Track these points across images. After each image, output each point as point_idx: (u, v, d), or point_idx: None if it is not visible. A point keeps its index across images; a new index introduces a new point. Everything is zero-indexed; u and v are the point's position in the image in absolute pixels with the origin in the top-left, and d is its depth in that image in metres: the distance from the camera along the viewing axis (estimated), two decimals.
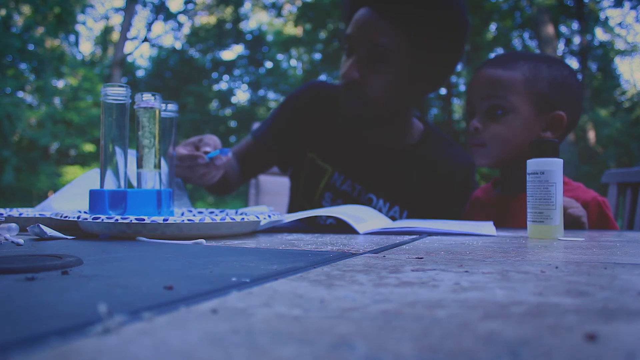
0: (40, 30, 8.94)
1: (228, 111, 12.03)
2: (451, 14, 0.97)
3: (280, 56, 12.02)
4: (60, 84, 9.62)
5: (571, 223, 0.82)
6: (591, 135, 8.74)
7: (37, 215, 0.65)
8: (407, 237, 0.61)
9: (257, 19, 12.51)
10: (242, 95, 13.29)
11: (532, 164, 0.64)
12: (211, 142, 0.87)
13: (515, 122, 0.93)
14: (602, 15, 9.27)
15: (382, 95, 0.99)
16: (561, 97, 0.94)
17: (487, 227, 0.71)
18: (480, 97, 0.95)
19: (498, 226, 0.82)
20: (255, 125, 1.57)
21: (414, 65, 0.99)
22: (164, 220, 0.55)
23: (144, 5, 11.34)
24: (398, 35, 0.96)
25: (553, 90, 0.93)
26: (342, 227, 0.75)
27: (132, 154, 0.68)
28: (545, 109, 0.93)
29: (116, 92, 0.62)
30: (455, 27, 0.98)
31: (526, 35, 9.47)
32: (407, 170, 1.08)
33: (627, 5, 9.05)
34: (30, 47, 8.68)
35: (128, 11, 10.38)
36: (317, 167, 1.11)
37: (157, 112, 0.66)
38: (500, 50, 9.06)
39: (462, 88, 9.33)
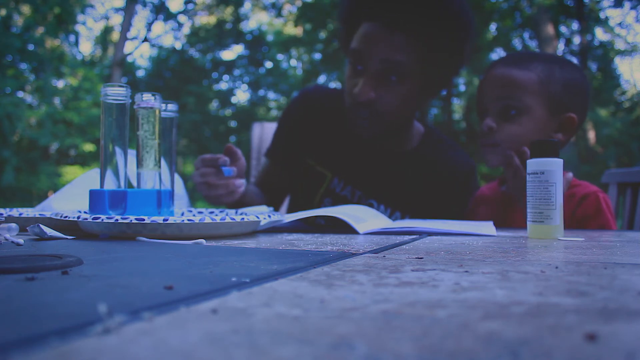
0: (40, 30, 8.93)
1: (228, 111, 12.03)
2: (457, 17, 0.95)
3: (280, 56, 12.02)
4: (60, 84, 9.62)
5: (512, 174, 0.85)
6: (591, 135, 8.74)
7: (37, 215, 0.65)
8: (407, 237, 0.61)
9: (257, 19, 12.51)
10: (242, 95, 13.31)
11: (532, 164, 0.64)
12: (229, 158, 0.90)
13: (529, 123, 0.92)
14: (602, 15, 9.27)
15: (395, 110, 0.98)
16: (573, 100, 0.93)
17: (487, 227, 0.71)
18: (494, 97, 0.94)
19: (502, 224, 0.82)
20: (256, 126, 1.57)
21: (425, 74, 0.98)
22: (164, 220, 0.55)
23: (144, 5, 11.33)
24: (411, 49, 0.94)
25: (566, 92, 0.93)
26: (342, 227, 0.75)
27: (132, 154, 0.68)
28: (557, 111, 0.93)
29: (116, 92, 0.62)
30: (462, 28, 0.97)
31: (526, 35, 9.47)
32: (407, 175, 1.07)
33: (627, 5, 9.05)
34: (30, 47, 8.68)
35: (128, 11, 10.38)
36: (316, 173, 1.11)
37: (157, 112, 0.66)
38: (500, 50, 9.05)
39: (462, 88, 9.33)
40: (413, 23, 0.93)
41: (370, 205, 1.06)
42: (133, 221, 0.55)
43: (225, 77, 11.97)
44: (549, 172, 0.62)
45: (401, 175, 1.07)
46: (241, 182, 0.90)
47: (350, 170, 1.08)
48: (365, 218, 0.76)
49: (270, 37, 12.07)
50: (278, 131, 1.17)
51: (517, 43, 9.51)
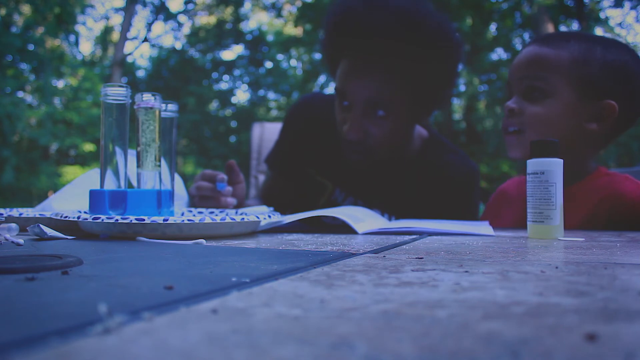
0: (40, 30, 8.94)
1: (228, 111, 12.04)
2: (436, 40, 0.91)
3: (280, 56, 12.02)
4: (60, 84, 9.63)
5: None
6: None
7: (37, 215, 0.65)
8: (407, 237, 0.61)
9: (257, 19, 12.51)
10: (242, 95, 13.32)
11: (532, 164, 0.64)
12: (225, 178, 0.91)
13: (554, 107, 0.83)
14: (602, 15, 9.27)
15: (387, 142, 0.97)
16: (615, 85, 0.83)
17: (484, 228, 0.71)
18: (519, 76, 0.87)
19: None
20: (256, 126, 1.57)
21: (413, 101, 0.96)
22: (164, 220, 0.55)
23: (144, 5, 11.35)
24: (393, 82, 0.92)
25: (605, 75, 0.83)
26: (342, 227, 0.75)
27: (132, 154, 0.68)
28: (592, 96, 0.83)
29: (116, 92, 0.62)
30: (444, 48, 0.93)
31: (526, 35, 9.48)
32: (409, 182, 1.05)
33: (627, 5, 9.05)
34: (30, 47, 8.68)
35: (128, 11, 10.38)
36: (317, 184, 1.10)
37: (157, 112, 0.66)
38: (500, 51, 9.05)
39: (462, 88, 9.33)
40: (391, 56, 0.90)
41: None
42: (133, 221, 0.55)
43: (225, 77, 11.98)
44: (549, 172, 0.63)
45: (403, 183, 1.05)
46: (233, 202, 0.91)
47: (351, 181, 1.07)
48: (364, 218, 0.76)
49: (270, 37, 12.07)
50: (279, 141, 1.17)
51: (517, 43, 9.51)
